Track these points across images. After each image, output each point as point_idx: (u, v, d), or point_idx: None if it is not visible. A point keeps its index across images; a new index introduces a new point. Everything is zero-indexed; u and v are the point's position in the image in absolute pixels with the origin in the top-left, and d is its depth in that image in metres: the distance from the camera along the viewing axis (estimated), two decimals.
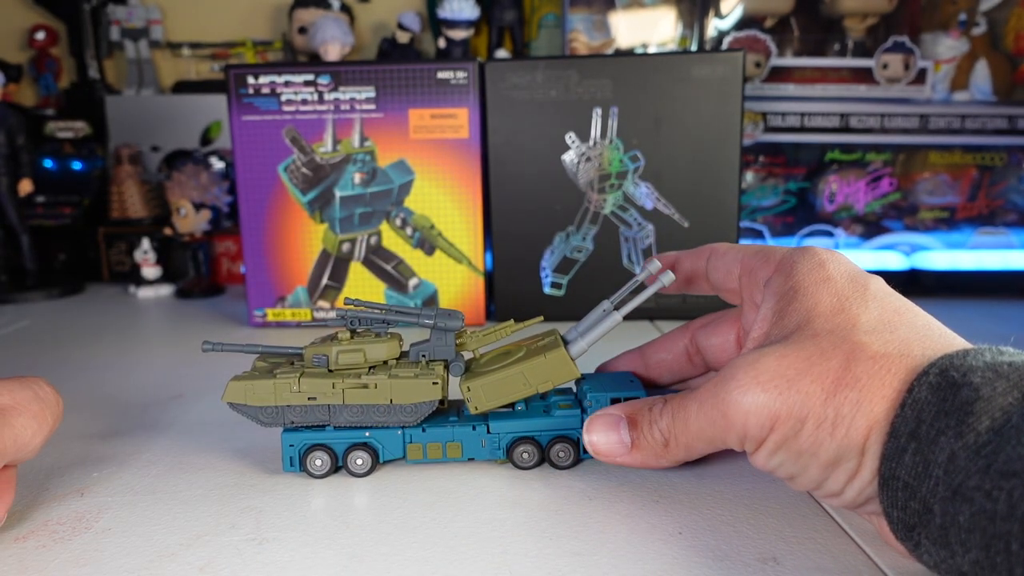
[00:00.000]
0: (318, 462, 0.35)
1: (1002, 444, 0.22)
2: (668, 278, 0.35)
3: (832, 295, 0.29)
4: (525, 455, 0.35)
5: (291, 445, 0.35)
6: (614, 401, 0.36)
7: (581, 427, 0.35)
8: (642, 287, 0.36)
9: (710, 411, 0.28)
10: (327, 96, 0.64)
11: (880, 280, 0.30)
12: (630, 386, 0.36)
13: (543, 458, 0.36)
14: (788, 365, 0.27)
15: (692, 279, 0.37)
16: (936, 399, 0.24)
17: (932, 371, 0.24)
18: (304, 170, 0.65)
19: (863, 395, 0.25)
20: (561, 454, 0.35)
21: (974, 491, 0.21)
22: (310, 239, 0.66)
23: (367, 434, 0.35)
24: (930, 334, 0.27)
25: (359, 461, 0.35)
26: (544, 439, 0.35)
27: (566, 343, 0.36)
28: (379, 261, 0.67)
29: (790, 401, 0.26)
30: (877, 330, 0.27)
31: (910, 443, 0.24)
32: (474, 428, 0.35)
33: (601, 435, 0.33)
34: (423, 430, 0.35)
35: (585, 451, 0.36)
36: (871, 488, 0.26)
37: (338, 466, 0.35)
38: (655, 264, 0.36)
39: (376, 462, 0.35)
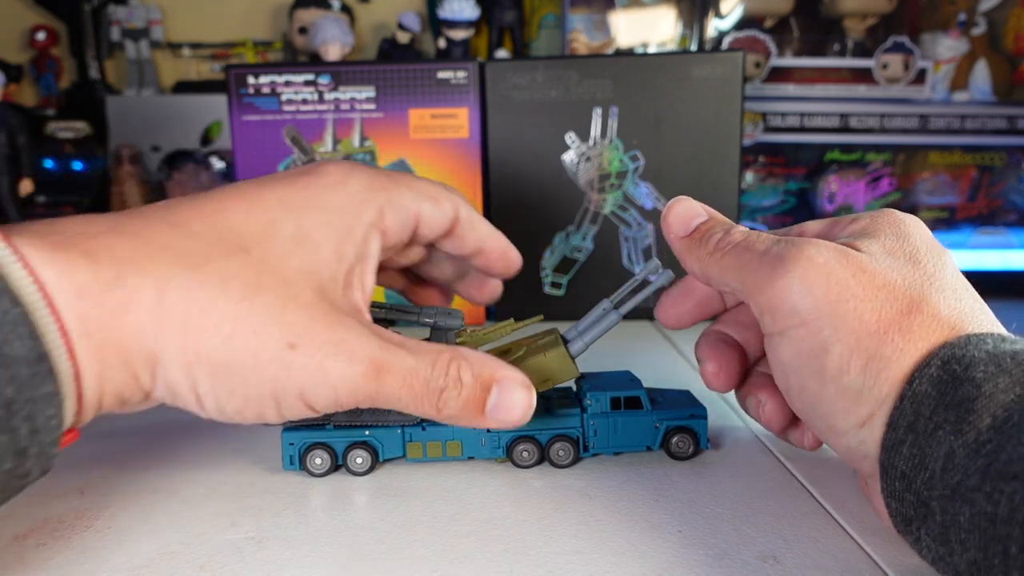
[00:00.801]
0: (318, 460, 0.35)
1: (1003, 443, 0.21)
2: (666, 277, 0.35)
3: (909, 247, 0.28)
4: (525, 454, 0.35)
5: (291, 444, 0.35)
6: (614, 400, 0.36)
7: (581, 427, 0.36)
8: (642, 286, 0.36)
9: (765, 264, 0.28)
10: (327, 96, 0.64)
11: (952, 256, 0.29)
12: (630, 385, 0.37)
13: (543, 457, 0.36)
14: (860, 283, 0.26)
15: None
16: (936, 392, 0.24)
17: (934, 362, 0.24)
18: None
19: (908, 347, 0.25)
20: (560, 453, 0.35)
21: (974, 492, 0.21)
22: None
23: (367, 433, 0.35)
24: (984, 318, 0.27)
25: (359, 460, 0.35)
26: (544, 438, 0.35)
27: (566, 342, 0.36)
28: None
29: (837, 314, 0.26)
30: (946, 291, 0.27)
31: (908, 435, 0.24)
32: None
33: (678, 216, 0.32)
34: (423, 429, 0.35)
35: (585, 449, 0.36)
36: (873, 445, 0.26)
37: (338, 464, 0.35)
38: (655, 263, 0.36)
39: (376, 461, 0.35)
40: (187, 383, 0.25)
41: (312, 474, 0.35)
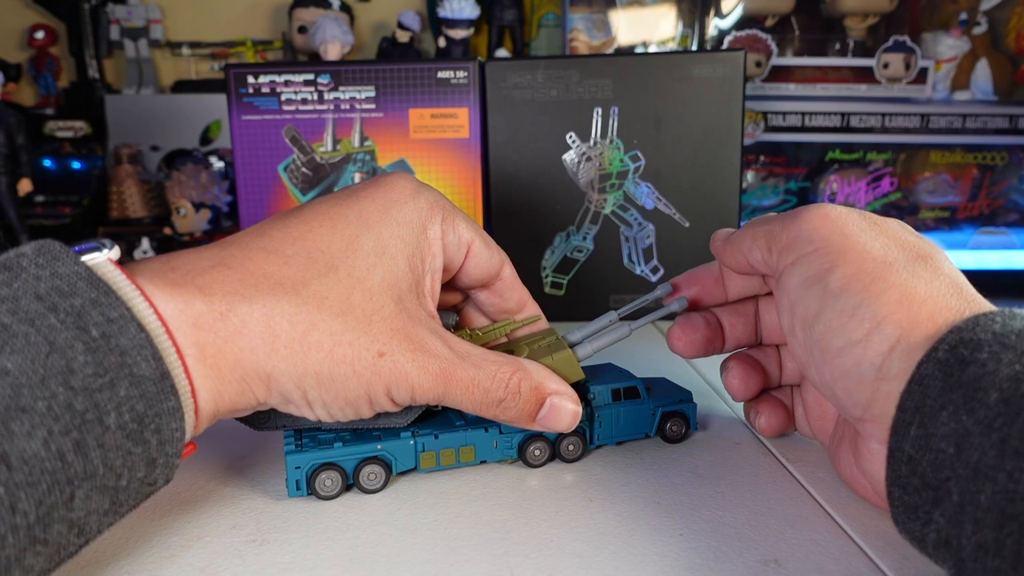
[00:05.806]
0: (328, 483, 0.33)
1: (1013, 416, 0.22)
2: (679, 304, 0.37)
3: (911, 230, 0.31)
4: (537, 452, 0.35)
5: (297, 468, 0.32)
6: (615, 392, 0.37)
7: (587, 420, 0.36)
8: (654, 306, 0.36)
9: (787, 217, 0.32)
10: (327, 95, 0.64)
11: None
12: (623, 376, 0.38)
13: (554, 454, 0.36)
14: (872, 228, 0.30)
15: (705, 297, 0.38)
16: (943, 375, 0.24)
17: (942, 347, 0.25)
18: (304, 170, 0.65)
19: (914, 282, 0.27)
20: (571, 447, 0.36)
21: (995, 471, 0.21)
22: None
23: (379, 447, 0.33)
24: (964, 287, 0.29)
25: (372, 476, 0.33)
26: (553, 435, 0.36)
27: (571, 345, 0.36)
28: None
29: (847, 244, 0.29)
30: (946, 261, 0.29)
31: (915, 416, 0.24)
32: (486, 430, 0.35)
33: (722, 233, 0.36)
34: (436, 437, 0.34)
35: (591, 442, 0.37)
36: (868, 367, 0.27)
37: (349, 484, 0.33)
38: (666, 288, 0.38)
39: (389, 475, 0.34)
40: (298, 393, 0.29)
41: (321, 497, 0.33)
